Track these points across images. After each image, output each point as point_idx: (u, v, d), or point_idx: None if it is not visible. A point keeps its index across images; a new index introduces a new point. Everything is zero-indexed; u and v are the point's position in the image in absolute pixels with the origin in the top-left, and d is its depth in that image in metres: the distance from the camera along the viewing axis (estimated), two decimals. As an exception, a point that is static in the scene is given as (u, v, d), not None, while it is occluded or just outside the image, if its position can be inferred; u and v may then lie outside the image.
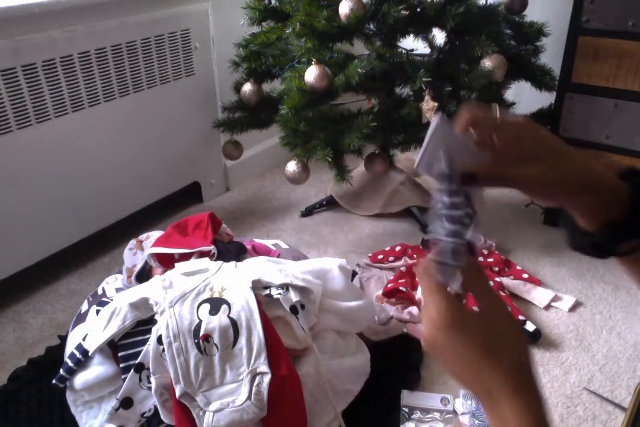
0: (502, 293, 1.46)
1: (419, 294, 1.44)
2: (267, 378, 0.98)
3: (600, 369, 1.30)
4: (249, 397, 0.96)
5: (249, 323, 1.01)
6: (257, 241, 1.40)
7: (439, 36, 1.65)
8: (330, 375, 1.10)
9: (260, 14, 1.74)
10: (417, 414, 1.16)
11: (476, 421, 1.13)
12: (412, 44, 1.66)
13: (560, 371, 1.29)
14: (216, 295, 1.05)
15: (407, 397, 1.19)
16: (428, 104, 1.48)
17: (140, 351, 1.01)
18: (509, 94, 1.81)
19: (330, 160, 1.50)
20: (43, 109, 1.45)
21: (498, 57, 1.50)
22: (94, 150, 1.62)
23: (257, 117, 1.86)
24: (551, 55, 1.75)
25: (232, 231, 1.38)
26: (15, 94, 1.38)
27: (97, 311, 1.13)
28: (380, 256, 1.68)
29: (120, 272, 1.30)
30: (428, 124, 1.65)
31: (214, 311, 1.02)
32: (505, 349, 0.49)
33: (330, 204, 2.03)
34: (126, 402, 1.01)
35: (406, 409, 1.17)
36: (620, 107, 1.59)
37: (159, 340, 0.99)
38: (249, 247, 1.32)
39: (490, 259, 1.63)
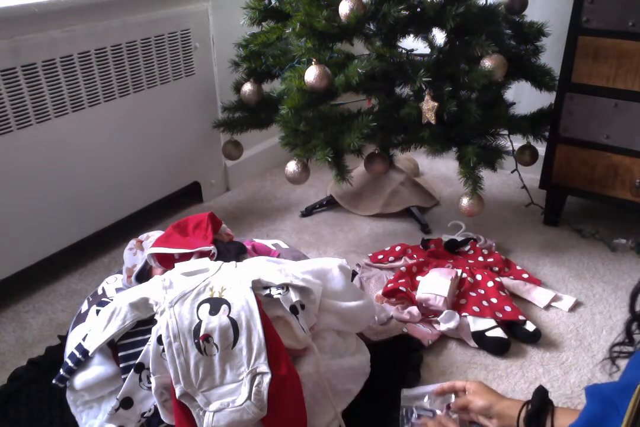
0: (502, 293, 1.46)
1: (418, 294, 1.44)
2: (267, 378, 0.98)
3: (600, 369, 1.30)
4: (249, 397, 0.96)
5: (249, 323, 1.01)
6: (257, 240, 1.40)
7: (439, 36, 1.65)
8: (330, 375, 1.10)
9: (260, 14, 1.74)
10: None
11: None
12: (412, 44, 1.66)
13: (560, 371, 1.29)
14: (216, 295, 1.05)
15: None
16: (428, 104, 1.48)
17: (140, 351, 1.01)
18: (509, 94, 1.81)
19: (330, 160, 1.50)
20: (43, 109, 1.45)
21: (498, 57, 1.50)
22: (94, 150, 1.62)
23: (257, 117, 1.86)
24: (551, 55, 1.75)
25: (232, 230, 1.38)
26: (15, 94, 1.38)
27: (97, 311, 1.13)
28: (380, 256, 1.68)
29: (120, 272, 1.30)
30: (428, 124, 1.65)
31: (214, 311, 1.02)
32: None
33: (330, 204, 2.03)
34: (126, 402, 1.01)
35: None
36: (620, 107, 1.59)
37: (159, 340, 0.99)
38: (249, 247, 1.32)
39: (490, 259, 1.63)
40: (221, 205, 2.07)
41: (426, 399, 1.15)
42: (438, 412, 1.12)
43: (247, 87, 1.77)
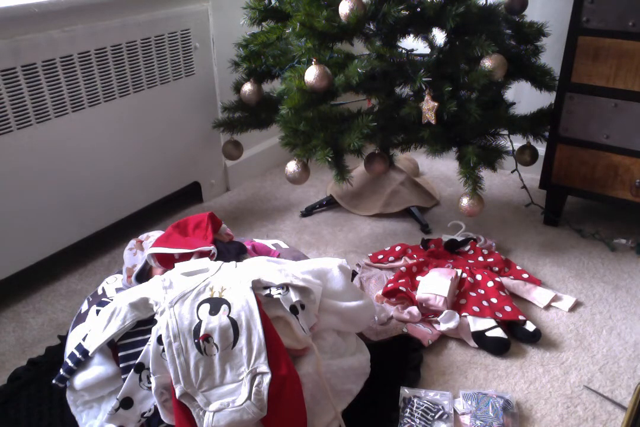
0: (502, 293, 1.46)
1: (418, 294, 1.44)
2: (267, 378, 0.98)
3: (600, 369, 1.30)
4: (249, 397, 0.96)
5: (249, 323, 1.01)
6: (257, 240, 1.40)
7: (439, 36, 1.65)
8: (330, 375, 1.10)
9: (260, 14, 1.75)
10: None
11: (477, 421, 1.13)
12: (412, 44, 1.66)
13: (560, 371, 1.29)
14: (216, 295, 1.05)
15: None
16: (428, 104, 1.48)
17: (140, 351, 1.01)
18: (509, 94, 1.81)
19: (330, 160, 1.50)
20: (43, 109, 1.45)
21: (498, 57, 1.50)
22: (94, 150, 1.62)
23: (257, 117, 1.86)
24: (551, 55, 1.75)
25: (232, 230, 1.38)
26: (15, 94, 1.38)
27: (97, 311, 1.13)
28: (380, 256, 1.68)
29: (120, 272, 1.30)
30: (428, 124, 1.66)
31: (214, 311, 1.02)
32: None
33: (330, 204, 2.03)
34: (126, 402, 1.01)
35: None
36: (620, 107, 1.59)
37: (159, 340, 0.99)
38: (249, 247, 1.32)
39: (490, 259, 1.63)
40: (221, 205, 2.07)
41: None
42: (442, 406, 1.13)
43: (247, 87, 1.77)
